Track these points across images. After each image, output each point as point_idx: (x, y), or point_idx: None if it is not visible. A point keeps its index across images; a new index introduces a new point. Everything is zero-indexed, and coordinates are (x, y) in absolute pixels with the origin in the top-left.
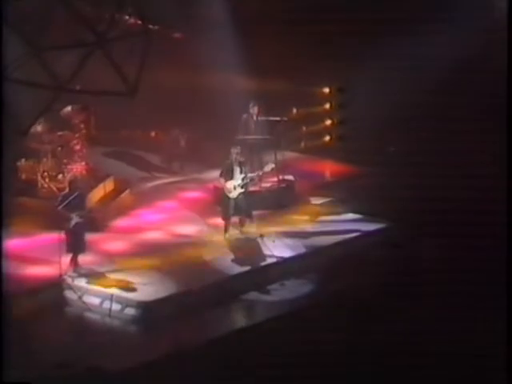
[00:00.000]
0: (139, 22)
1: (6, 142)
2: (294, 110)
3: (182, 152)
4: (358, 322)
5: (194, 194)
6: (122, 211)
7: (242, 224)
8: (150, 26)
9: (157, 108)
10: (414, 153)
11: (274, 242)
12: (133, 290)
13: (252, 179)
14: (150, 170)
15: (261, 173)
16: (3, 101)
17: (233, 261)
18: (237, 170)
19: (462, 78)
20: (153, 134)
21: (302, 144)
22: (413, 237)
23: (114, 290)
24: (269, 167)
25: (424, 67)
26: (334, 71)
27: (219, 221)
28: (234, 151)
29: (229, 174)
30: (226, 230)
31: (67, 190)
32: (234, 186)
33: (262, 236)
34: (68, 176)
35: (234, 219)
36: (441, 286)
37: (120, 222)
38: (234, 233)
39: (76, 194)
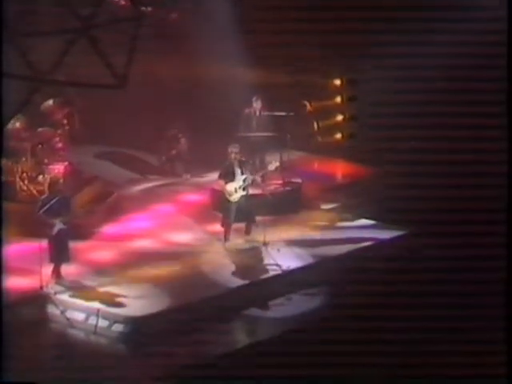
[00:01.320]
0: (129, 4)
1: None
2: (303, 104)
3: (182, 151)
4: (373, 341)
5: (190, 197)
6: (110, 216)
7: (247, 231)
8: (142, 9)
9: (149, 102)
10: (432, 151)
11: (279, 250)
12: (121, 304)
13: (254, 180)
14: (144, 172)
15: (264, 172)
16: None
17: (233, 272)
18: (237, 170)
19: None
20: (147, 130)
21: (311, 142)
22: (432, 246)
23: (101, 305)
24: (273, 165)
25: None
26: (346, 61)
27: (218, 227)
28: (233, 150)
29: (229, 176)
30: (226, 238)
31: (47, 193)
32: (234, 189)
33: (265, 244)
34: (48, 177)
35: (236, 225)
36: (461, 298)
37: (108, 229)
38: (235, 241)
39: (58, 197)
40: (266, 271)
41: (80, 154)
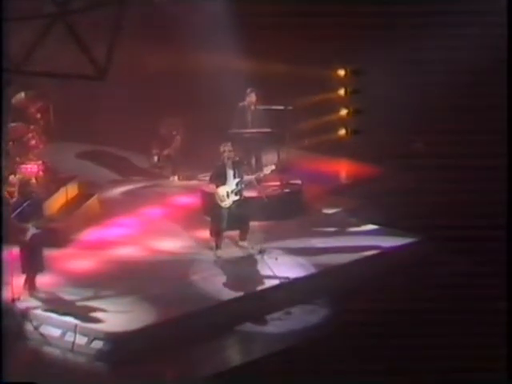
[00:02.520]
0: None
1: None
2: (302, 98)
3: (176, 151)
4: (381, 358)
5: (178, 200)
6: (89, 221)
7: (241, 238)
8: None
9: (136, 96)
10: (445, 151)
11: (276, 259)
12: (101, 319)
13: (249, 183)
14: (128, 172)
15: (260, 175)
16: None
17: (225, 284)
18: (230, 172)
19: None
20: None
21: (312, 139)
22: (445, 254)
23: (79, 320)
24: (268, 169)
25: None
26: (350, 50)
27: (208, 234)
28: (225, 149)
29: (220, 178)
30: (217, 246)
31: (17, 194)
32: (226, 193)
33: (261, 252)
34: (19, 178)
35: (228, 233)
36: (477, 315)
37: (87, 235)
38: (227, 249)
39: (30, 199)
40: (262, 282)
41: (56, 152)
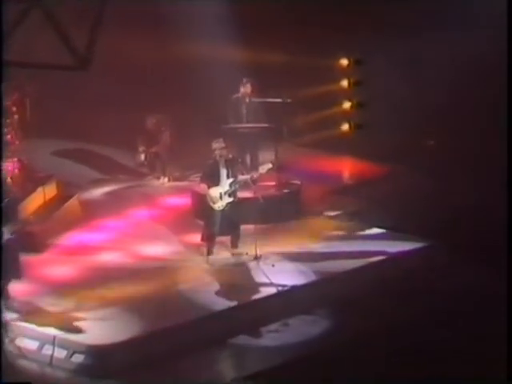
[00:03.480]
0: None
1: None
2: (301, 89)
3: (164, 148)
4: (386, 374)
5: (167, 202)
6: (69, 224)
7: (234, 244)
8: None
9: (122, 88)
10: (458, 149)
11: (273, 266)
12: (82, 330)
13: (244, 183)
14: (112, 171)
15: (255, 175)
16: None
17: (218, 292)
18: (223, 172)
19: None
20: (120, 123)
21: (312, 134)
22: (457, 260)
23: (58, 331)
24: (265, 168)
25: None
26: (353, 38)
27: (199, 239)
28: (217, 146)
29: (213, 178)
30: (208, 252)
31: None
32: (219, 194)
33: (257, 258)
34: None
35: (221, 238)
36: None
37: (66, 239)
38: (220, 255)
39: (5, 200)
40: (258, 291)
41: (33, 149)
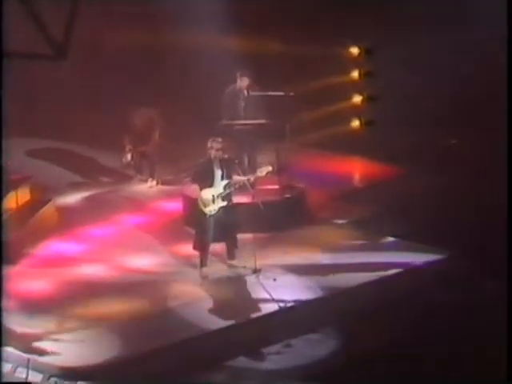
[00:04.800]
0: None
1: None
2: (305, 81)
3: (154, 148)
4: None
5: (154, 207)
6: (45, 233)
7: (230, 254)
8: None
9: (100, 81)
10: (482, 145)
11: (274, 280)
12: (59, 352)
13: (241, 186)
14: (92, 174)
15: (252, 178)
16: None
17: (212, 310)
18: (217, 172)
19: None
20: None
21: (317, 132)
22: (478, 274)
23: (32, 353)
24: (263, 170)
25: None
26: (365, 22)
27: (191, 249)
28: (214, 145)
29: (206, 179)
30: (201, 263)
31: None
32: (212, 197)
33: (256, 272)
34: None
35: (215, 246)
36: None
37: (41, 250)
38: (214, 267)
39: None
40: (257, 308)
41: (5, 148)
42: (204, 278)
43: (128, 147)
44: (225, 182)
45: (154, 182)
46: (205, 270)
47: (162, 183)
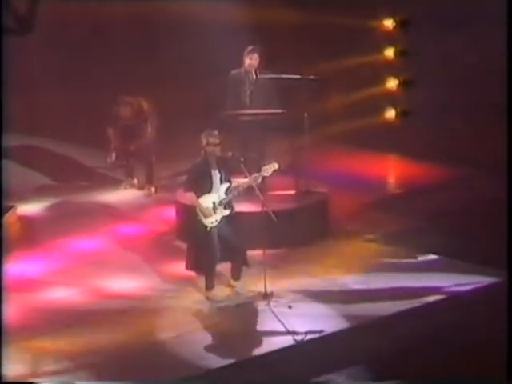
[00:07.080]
0: None
1: None
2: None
3: (147, 145)
4: None
5: (140, 216)
6: (7, 247)
7: (235, 275)
8: None
9: (78, 63)
10: None
11: (289, 308)
12: None
13: (246, 190)
14: (67, 175)
15: (260, 178)
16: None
17: (209, 345)
18: (215, 175)
19: None
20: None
21: (342, 124)
22: None
23: None
24: (268, 168)
25: None
26: None
27: (183, 269)
28: (210, 140)
29: (203, 185)
30: (207, 286)
31: None
32: (213, 205)
33: (266, 297)
34: None
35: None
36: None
37: (2, 268)
38: (214, 291)
39: None
40: (268, 342)
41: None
42: (213, 301)
43: (113, 144)
44: (225, 185)
45: (153, 189)
46: (213, 293)
47: (163, 191)
